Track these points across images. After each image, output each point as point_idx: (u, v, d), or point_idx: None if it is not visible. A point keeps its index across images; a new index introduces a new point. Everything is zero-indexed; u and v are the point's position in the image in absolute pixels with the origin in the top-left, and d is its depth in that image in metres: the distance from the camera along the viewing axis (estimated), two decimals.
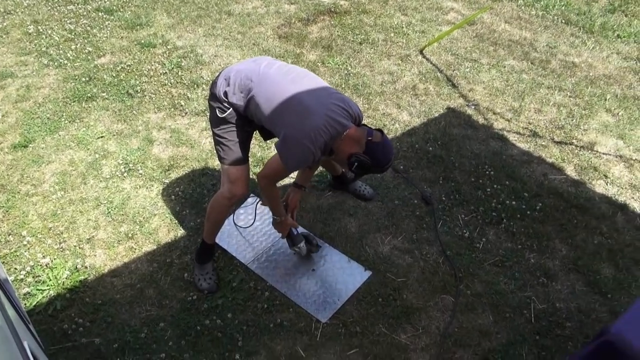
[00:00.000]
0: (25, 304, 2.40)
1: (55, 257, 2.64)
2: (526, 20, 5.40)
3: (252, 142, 2.39)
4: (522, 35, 5.07)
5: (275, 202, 2.40)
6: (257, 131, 2.41)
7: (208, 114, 3.60)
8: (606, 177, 3.39)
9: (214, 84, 2.23)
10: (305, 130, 2.01)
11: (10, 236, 2.74)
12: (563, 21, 5.42)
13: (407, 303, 2.53)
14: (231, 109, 2.18)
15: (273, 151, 3.36)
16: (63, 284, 2.50)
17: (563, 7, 5.68)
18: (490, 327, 2.45)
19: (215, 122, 2.25)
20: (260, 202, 2.80)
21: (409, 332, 2.41)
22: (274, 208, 2.44)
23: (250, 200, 3.02)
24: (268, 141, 3.27)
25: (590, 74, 4.51)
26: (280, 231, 2.59)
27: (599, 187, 3.32)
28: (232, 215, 2.89)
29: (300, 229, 2.64)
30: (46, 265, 2.59)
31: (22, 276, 2.52)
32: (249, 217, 2.92)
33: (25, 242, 2.70)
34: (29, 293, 2.45)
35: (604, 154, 3.59)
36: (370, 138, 2.06)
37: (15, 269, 2.56)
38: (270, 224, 2.87)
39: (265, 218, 2.92)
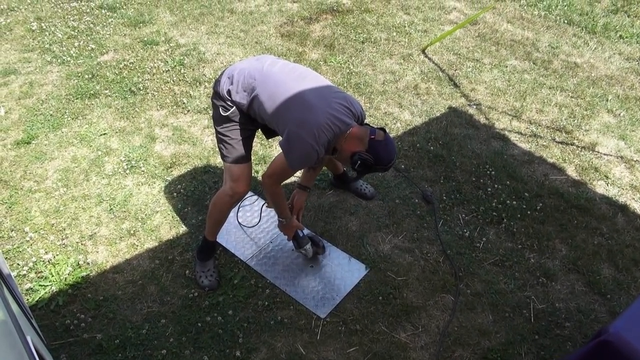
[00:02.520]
0: (27, 300, 2.42)
1: (58, 253, 2.66)
2: (528, 20, 5.40)
3: (254, 140, 2.40)
4: (525, 35, 5.08)
5: (280, 203, 2.41)
6: (260, 130, 2.42)
7: (210, 112, 3.63)
8: (607, 177, 3.39)
9: (217, 82, 2.24)
10: (309, 128, 2.02)
11: (13, 232, 2.75)
12: (565, 21, 5.42)
13: (407, 302, 2.54)
14: (234, 107, 2.19)
15: (275, 150, 3.37)
16: (65, 280, 2.51)
17: (565, 8, 5.68)
18: (490, 326, 2.46)
19: (219, 120, 2.26)
20: (266, 205, 2.80)
21: (408, 331, 2.42)
22: (280, 209, 2.45)
23: (250, 199, 3.01)
24: (270, 140, 3.29)
25: (592, 75, 4.51)
26: (286, 234, 2.60)
27: (600, 187, 3.32)
28: (236, 215, 2.90)
29: (306, 231, 2.63)
30: (48, 261, 2.60)
31: (24, 272, 2.54)
32: (247, 214, 2.93)
33: (28, 238, 2.71)
34: (32, 289, 2.47)
35: (605, 154, 3.60)
36: (373, 136, 2.07)
37: (18, 264, 2.58)
38: (269, 221, 2.89)
39: (263, 215, 2.93)
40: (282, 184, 2.35)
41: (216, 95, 2.24)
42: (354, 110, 2.16)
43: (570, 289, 2.67)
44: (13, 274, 2.50)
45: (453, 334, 2.42)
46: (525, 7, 5.69)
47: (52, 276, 2.52)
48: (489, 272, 2.71)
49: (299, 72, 2.21)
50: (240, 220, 2.90)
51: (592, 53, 4.88)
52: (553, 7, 5.68)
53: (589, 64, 4.69)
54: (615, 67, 4.68)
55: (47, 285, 2.48)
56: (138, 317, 2.39)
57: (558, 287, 2.67)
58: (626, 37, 5.18)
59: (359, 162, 2.08)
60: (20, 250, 2.66)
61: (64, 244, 2.71)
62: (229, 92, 2.18)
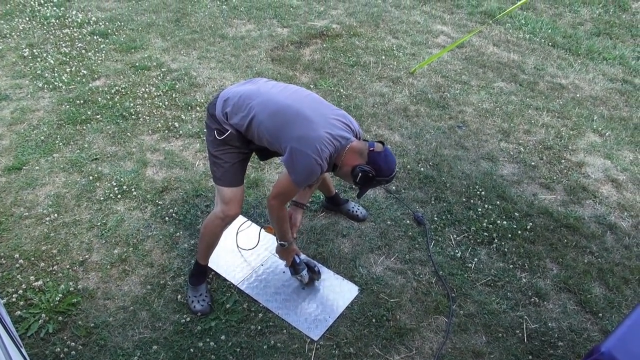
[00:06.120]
0: (17, 328, 2.38)
1: (48, 279, 2.63)
2: (514, 43, 5.52)
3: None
4: (510, 58, 5.19)
5: (284, 226, 2.39)
6: (255, 152, 2.43)
7: (202, 136, 3.65)
8: (595, 197, 3.44)
9: (212, 105, 2.26)
10: (311, 143, 2.04)
11: (3, 259, 2.72)
12: (550, 44, 5.55)
13: (400, 324, 2.53)
14: (230, 130, 2.20)
15: (267, 172, 3.39)
16: (55, 307, 2.48)
17: (549, 31, 5.82)
18: (483, 347, 2.46)
19: (213, 143, 2.28)
20: (264, 230, 2.78)
21: (402, 353, 2.41)
22: (283, 233, 2.42)
23: (245, 225, 3.00)
24: (263, 163, 3.31)
25: (577, 95, 4.61)
26: (285, 258, 2.57)
27: (588, 206, 3.37)
28: (235, 240, 2.90)
29: (302, 256, 2.62)
30: (38, 288, 2.57)
31: (14, 299, 2.50)
32: (244, 239, 2.92)
33: (17, 265, 2.68)
34: (21, 316, 2.43)
35: (592, 174, 3.65)
36: (372, 149, 2.11)
37: (8, 292, 2.54)
38: (260, 244, 2.88)
39: (251, 236, 2.93)
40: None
41: (211, 118, 2.26)
42: (352, 127, 2.21)
43: (562, 308, 2.68)
44: (2, 301, 2.47)
45: (447, 356, 2.41)
46: (510, 31, 5.82)
47: (42, 303, 2.49)
48: (482, 293, 2.72)
49: (294, 90, 2.25)
50: (239, 244, 2.90)
51: (577, 74, 4.99)
52: (537, 30, 5.82)
53: (573, 85, 4.79)
54: (599, 87, 4.78)
55: (37, 313, 2.45)
56: (129, 343, 2.36)
57: (550, 307, 2.69)
58: (609, 59, 5.31)
59: (360, 174, 2.11)
60: (10, 277, 2.63)
61: (54, 270, 2.69)
62: (225, 114, 2.20)
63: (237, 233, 2.91)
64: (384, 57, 4.99)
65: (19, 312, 2.45)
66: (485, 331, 2.53)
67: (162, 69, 4.54)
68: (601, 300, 2.73)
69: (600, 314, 2.65)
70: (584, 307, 2.69)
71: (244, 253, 2.86)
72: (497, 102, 4.40)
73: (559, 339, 2.52)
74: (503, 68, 4.97)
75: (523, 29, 5.86)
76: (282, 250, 2.53)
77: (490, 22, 5.86)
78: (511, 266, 2.89)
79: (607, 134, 4.09)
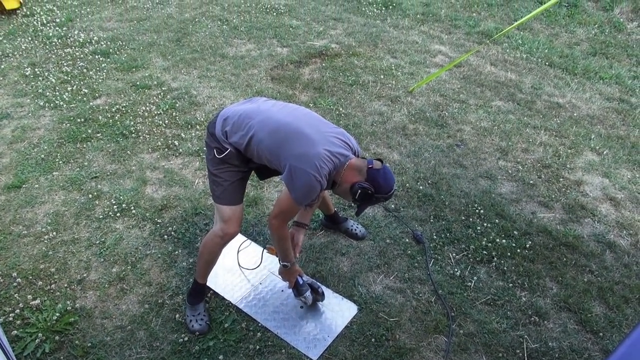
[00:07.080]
0: (13, 347, 2.36)
1: (46, 298, 2.62)
2: (511, 63, 5.58)
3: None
4: (508, 77, 5.24)
5: (286, 246, 2.38)
6: (254, 171, 2.44)
7: (202, 155, 3.66)
8: (594, 215, 3.44)
9: (212, 124, 2.28)
10: (310, 160, 2.05)
11: (0, 277, 2.71)
12: (547, 63, 5.61)
13: (399, 343, 2.51)
14: (230, 148, 2.22)
15: (267, 191, 3.40)
16: (52, 327, 2.47)
17: (546, 50, 5.89)
18: None
19: (213, 162, 2.29)
20: (267, 251, 2.77)
21: None
22: (285, 253, 2.41)
23: (245, 244, 3.00)
24: (262, 181, 3.32)
25: (575, 114, 4.64)
26: (288, 279, 2.56)
27: (587, 225, 3.37)
28: (237, 260, 2.89)
29: (305, 277, 2.60)
30: (36, 307, 2.56)
31: (11, 318, 2.49)
32: (246, 259, 2.91)
33: (15, 284, 2.67)
34: (18, 336, 2.41)
35: (590, 192, 3.66)
36: (370, 166, 2.12)
37: (5, 311, 2.53)
38: (258, 263, 2.87)
39: (252, 255, 2.92)
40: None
41: (211, 137, 2.28)
42: (351, 145, 2.22)
43: (563, 327, 2.67)
44: None
45: None
46: (507, 50, 5.89)
47: (39, 322, 2.47)
48: (481, 312, 2.70)
49: (293, 108, 2.28)
50: (240, 263, 2.89)
51: (574, 93, 5.03)
52: (534, 50, 5.89)
53: (571, 104, 4.83)
54: (596, 106, 4.82)
55: (34, 332, 2.43)
56: None
57: (550, 326, 2.67)
58: (606, 78, 5.36)
59: (359, 192, 2.11)
60: (7, 296, 2.62)
61: (52, 289, 2.67)
62: (225, 133, 2.22)
63: (237, 252, 2.91)
64: (382, 77, 5.04)
65: (15, 331, 2.43)
66: (486, 351, 2.51)
67: (163, 88, 4.57)
68: (601, 319, 2.72)
69: (601, 334, 2.63)
70: (584, 327, 2.67)
71: (243, 272, 2.85)
72: (495, 121, 4.43)
73: (560, 358, 2.50)
74: (501, 87, 5.02)
75: (520, 48, 5.93)
76: (285, 271, 2.52)
77: (488, 42, 5.93)
78: (511, 285, 2.88)
79: (604, 152, 4.11)
